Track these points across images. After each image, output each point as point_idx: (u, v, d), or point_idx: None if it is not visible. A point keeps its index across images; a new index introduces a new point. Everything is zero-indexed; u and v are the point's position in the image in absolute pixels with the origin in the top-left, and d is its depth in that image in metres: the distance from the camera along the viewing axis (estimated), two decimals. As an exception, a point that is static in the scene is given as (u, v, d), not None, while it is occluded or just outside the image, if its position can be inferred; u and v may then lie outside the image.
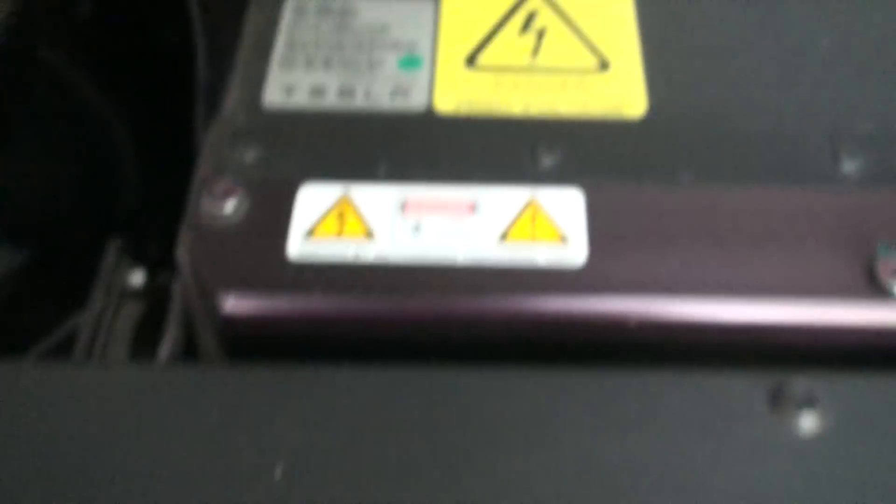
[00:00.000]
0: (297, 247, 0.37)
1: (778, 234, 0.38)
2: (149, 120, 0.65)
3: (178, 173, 0.43)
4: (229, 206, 0.38)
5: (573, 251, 0.37)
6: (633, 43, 0.45)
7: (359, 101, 0.43)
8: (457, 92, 0.43)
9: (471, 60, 0.45)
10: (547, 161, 0.40)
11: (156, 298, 0.45)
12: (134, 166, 0.66)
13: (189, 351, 0.43)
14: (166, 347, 0.42)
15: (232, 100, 0.43)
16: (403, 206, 0.38)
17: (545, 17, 0.46)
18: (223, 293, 0.36)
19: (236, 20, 0.48)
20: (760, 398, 0.33)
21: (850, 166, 0.40)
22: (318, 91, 0.43)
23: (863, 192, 0.39)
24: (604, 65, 0.44)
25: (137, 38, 0.65)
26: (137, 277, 0.46)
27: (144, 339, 0.44)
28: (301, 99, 0.43)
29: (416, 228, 0.38)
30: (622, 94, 0.43)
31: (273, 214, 0.38)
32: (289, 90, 0.44)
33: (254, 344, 0.37)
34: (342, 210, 0.38)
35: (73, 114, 0.62)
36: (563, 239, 0.38)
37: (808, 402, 0.32)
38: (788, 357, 0.37)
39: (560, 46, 0.45)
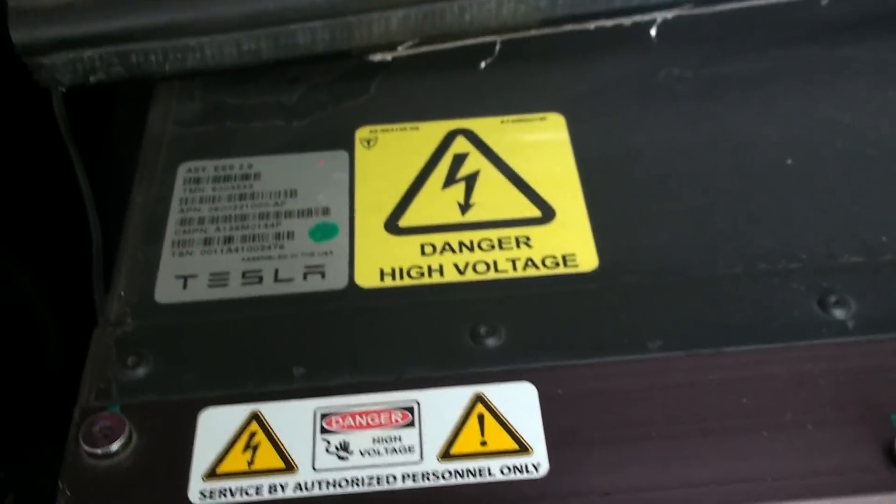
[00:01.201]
0: (200, 490, 0.31)
1: (774, 413, 0.32)
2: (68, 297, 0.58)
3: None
4: (115, 444, 0.31)
5: (533, 459, 0.31)
6: (574, 188, 0.39)
7: (267, 287, 0.37)
8: (380, 262, 0.37)
9: (391, 223, 0.39)
10: (491, 342, 0.34)
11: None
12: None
13: None
14: None
15: (117, 297, 0.37)
16: (325, 423, 0.32)
17: (474, 163, 0.41)
18: (111, 562, 0.29)
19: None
20: None
21: (841, 312, 0.35)
22: (219, 278, 0.37)
23: (863, 346, 0.33)
24: (548, 215, 0.38)
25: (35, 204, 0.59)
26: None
27: None
28: (199, 290, 0.37)
29: (343, 450, 0.31)
30: (571, 246, 0.37)
31: (168, 450, 0.32)
32: (185, 280, 0.37)
33: None
34: (251, 436, 0.32)
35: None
36: (519, 446, 0.31)
37: None
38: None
39: (495, 196, 0.39)
